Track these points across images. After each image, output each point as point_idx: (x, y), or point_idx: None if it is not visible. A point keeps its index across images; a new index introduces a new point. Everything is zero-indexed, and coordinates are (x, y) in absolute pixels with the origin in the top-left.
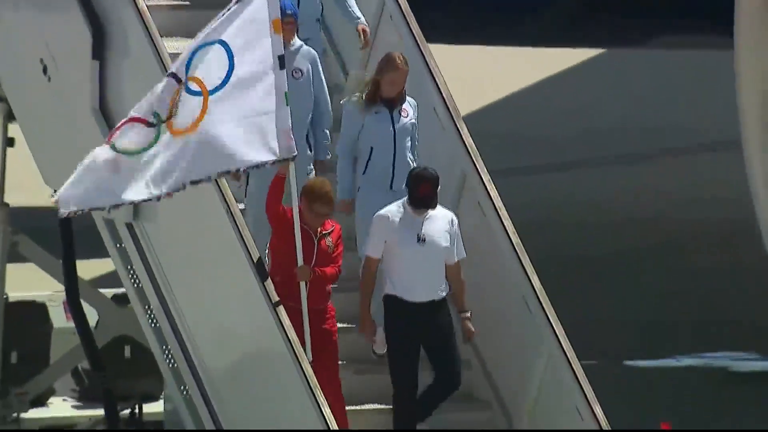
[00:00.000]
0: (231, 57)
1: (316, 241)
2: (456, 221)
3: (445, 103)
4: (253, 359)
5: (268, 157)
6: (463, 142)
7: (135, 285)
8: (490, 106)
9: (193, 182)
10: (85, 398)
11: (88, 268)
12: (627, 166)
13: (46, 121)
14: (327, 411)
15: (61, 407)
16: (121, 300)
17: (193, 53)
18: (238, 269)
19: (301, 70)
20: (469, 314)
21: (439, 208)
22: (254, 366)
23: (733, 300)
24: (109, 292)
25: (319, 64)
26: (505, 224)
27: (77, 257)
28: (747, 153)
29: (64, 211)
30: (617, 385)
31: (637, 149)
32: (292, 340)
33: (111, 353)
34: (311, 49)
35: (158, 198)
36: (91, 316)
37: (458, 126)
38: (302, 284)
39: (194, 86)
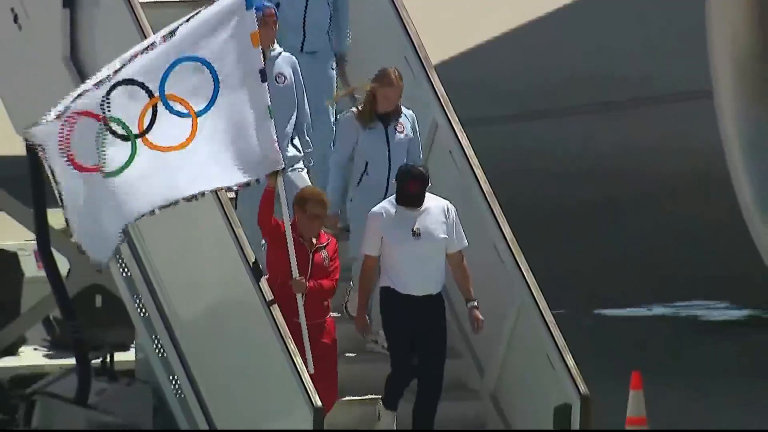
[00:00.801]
0: (215, 77)
1: (311, 254)
2: (452, 210)
3: (417, 51)
4: (224, 308)
5: (256, 174)
6: (435, 91)
7: None
8: (461, 55)
9: (186, 198)
10: (56, 347)
11: (59, 217)
12: (599, 115)
13: (17, 69)
14: (298, 360)
15: (32, 356)
16: None
17: (170, 68)
18: (209, 216)
19: (284, 75)
20: (476, 303)
21: (433, 198)
22: (225, 314)
23: (704, 250)
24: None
25: (299, 71)
26: (477, 173)
27: (48, 206)
28: (718, 104)
29: (105, 261)
30: (588, 334)
31: (610, 99)
32: (263, 290)
33: (82, 302)
34: (291, 55)
35: (152, 212)
36: (63, 264)
37: (429, 75)
38: (299, 297)
39: (179, 107)
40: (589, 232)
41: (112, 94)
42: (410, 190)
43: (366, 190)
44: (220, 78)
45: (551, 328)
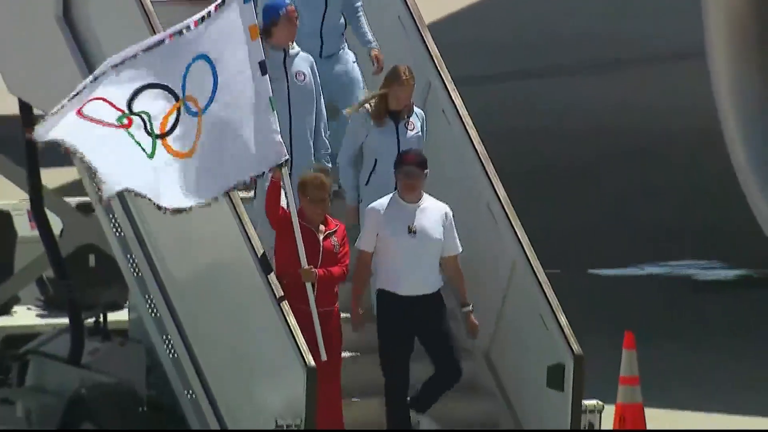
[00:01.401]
0: (214, 71)
1: (320, 241)
2: (450, 214)
3: (410, 11)
4: (218, 267)
5: (261, 169)
6: (428, 50)
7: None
8: (454, 14)
9: (200, 206)
10: (49, 307)
11: (52, 177)
12: (592, 74)
13: (9, 29)
14: (291, 320)
15: (25, 316)
16: (86, 209)
17: (186, 70)
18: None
19: (304, 73)
20: (471, 308)
21: (432, 200)
22: (218, 274)
23: (697, 209)
24: (73, 200)
25: (317, 71)
26: (470, 132)
27: (42, 166)
28: (712, 63)
29: (114, 191)
30: (581, 293)
31: (602, 58)
32: (256, 248)
33: (75, 262)
34: (309, 54)
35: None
36: (56, 224)
37: (423, 34)
38: (308, 286)
39: (192, 106)
40: (582, 191)
41: (139, 96)
42: (409, 160)
43: (375, 189)
44: (218, 72)
45: (544, 288)
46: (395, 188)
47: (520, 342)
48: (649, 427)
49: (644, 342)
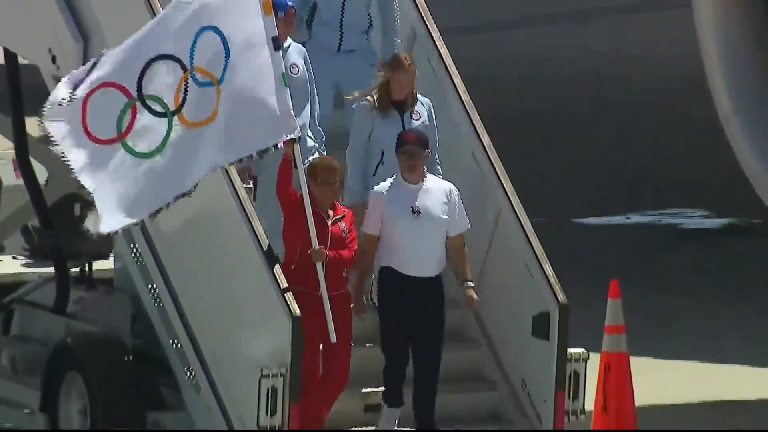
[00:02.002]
0: (225, 44)
1: (329, 225)
2: (455, 192)
3: None
4: (204, 217)
5: (273, 141)
6: (414, 1)
7: None
8: None
9: (212, 170)
10: (34, 256)
11: (36, 126)
12: (575, 23)
13: None
14: (277, 270)
15: (10, 265)
16: None
17: (195, 40)
18: None
19: (297, 66)
20: (472, 283)
21: (436, 179)
22: (205, 223)
23: (683, 158)
24: (58, 149)
25: (309, 61)
26: (455, 81)
27: (27, 114)
28: (697, 10)
29: (111, 232)
30: (566, 242)
31: (585, 6)
32: (242, 198)
33: (60, 211)
34: (300, 45)
35: (186, 194)
36: (41, 173)
37: None
38: (319, 266)
39: (201, 77)
40: (567, 140)
41: (149, 70)
42: (409, 139)
43: (382, 180)
44: (230, 45)
45: (529, 237)
46: None
47: (505, 291)
48: (633, 375)
49: (629, 291)
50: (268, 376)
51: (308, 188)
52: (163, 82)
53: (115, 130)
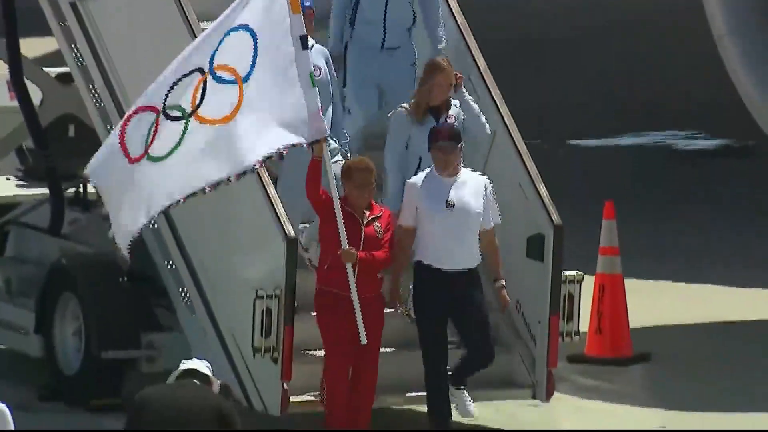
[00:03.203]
0: (255, 41)
1: (362, 226)
2: (489, 187)
3: None
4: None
5: (299, 140)
6: None
7: (79, 64)
8: None
9: (238, 175)
10: (29, 177)
11: (31, 47)
12: None
13: None
14: (271, 191)
15: (5, 186)
16: (65, 79)
17: (221, 42)
18: (180, 46)
19: (319, 68)
20: (503, 282)
21: (470, 173)
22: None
23: (678, 80)
24: (53, 70)
25: (331, 63)
26: (451, 5)
27: (21, 35)
28: None
29: (127, 245)
30: (561, 164)
31: None
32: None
33: (55, 132)
34: (323, 47)
35: (204, 191)
36: (35, 94)
37: None
38: (349, 267)
39: (225, 74)
40: (563, 63)
41: (176, 86)
42: (442, 135)
43: None
44: (259, 44)
45: (524, 158)
46: None
47: (500, 211)
48: (628, 296)
49: (624, 212)
50: (263, 297)
51: (344, 189)
52: (184, 90)
53: (143, 148)
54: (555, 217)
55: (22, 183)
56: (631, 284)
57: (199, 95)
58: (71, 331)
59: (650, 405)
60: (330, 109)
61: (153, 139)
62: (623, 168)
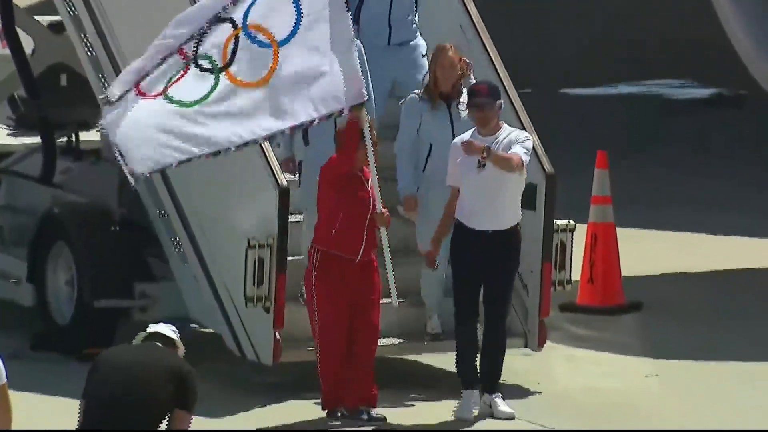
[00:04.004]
0: (298, 5)
1: (368, 186)
2: (525, 140)
3: None
4: None
5: (336, 107)
6: None
7: (71, 13)
8: None
9: (267, 137)
10: (21, 126)
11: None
12: None
13: None
14: (264, 142)
15: None
16: (58, 27)
17: (254, 1)
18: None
19: None
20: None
21: (511, 130)
22: None
23: (671, 29)
24: (45, 19)
25: (365, 61)
26: None
27: None
28: None
29: (140, 174)
30: (553, 113)
31: None
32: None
33: (47, 81)
34: (360, 46)
35: (228, 151)
36: (27, 43)
37: None
38: (383, 231)
39: (261, 37)
40: (557, 12)
41: (208, 32)
42: (480, 91)
43: (432, 174)
44: (303, 7)
45: (516, 108)
46: None
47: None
48: (620, 245)
49: (616, 161)
50: (255, 246)
51: (346, 153)
52: (215, 41)
53: (163, 86)
54: (547, 166)
55: (14, 132)
56: (623, 233)
57: (229, 51)
58: (64, 281)
59: (642, 353)
60: None
61: (176, 81)
62: (616, 117)
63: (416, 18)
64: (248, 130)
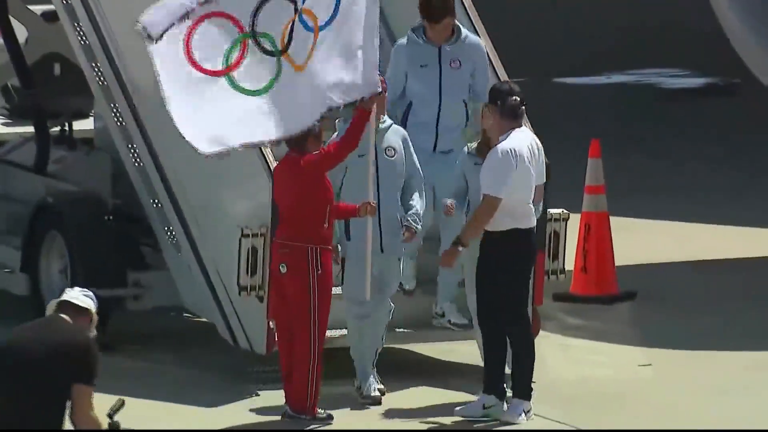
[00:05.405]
0: None
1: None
2: (539, 146)
3: None
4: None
5: (354, 96)
6: None
7: (64, 2)
8: None
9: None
10: (14, 115)
11: None
12: None
13: None
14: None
15: None
16: (51, 17)
17: None
18: None
19: (394, 149)
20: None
21: (522, 131)
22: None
23: (664, 18)
24: (38, 8)
25: (409, 143)
26: None
27: None
28: None
29: (208, 152)
30: (547, 102)
31: None
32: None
33: (41, 70)
34: (400, 127)
35: (278, 142)
36: (21, 33)
37: None
38: (369, 220)
39: (308, 20)
40: (549, 1)
41: (266, 6)
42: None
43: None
44: None
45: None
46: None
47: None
48: (613, 235)
49: (610, 150)
50: (249, 235)
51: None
52: (276, 20)
53: (222, 63)
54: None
55: (8, 121)
56: (616, 222)
57: (288, 33)
58: (57, 270)
59: (636, 343)
60: (398, 193)
61: (238, 62)
62: (609, 106)
63: (468, 125)
64: (291, 118)
